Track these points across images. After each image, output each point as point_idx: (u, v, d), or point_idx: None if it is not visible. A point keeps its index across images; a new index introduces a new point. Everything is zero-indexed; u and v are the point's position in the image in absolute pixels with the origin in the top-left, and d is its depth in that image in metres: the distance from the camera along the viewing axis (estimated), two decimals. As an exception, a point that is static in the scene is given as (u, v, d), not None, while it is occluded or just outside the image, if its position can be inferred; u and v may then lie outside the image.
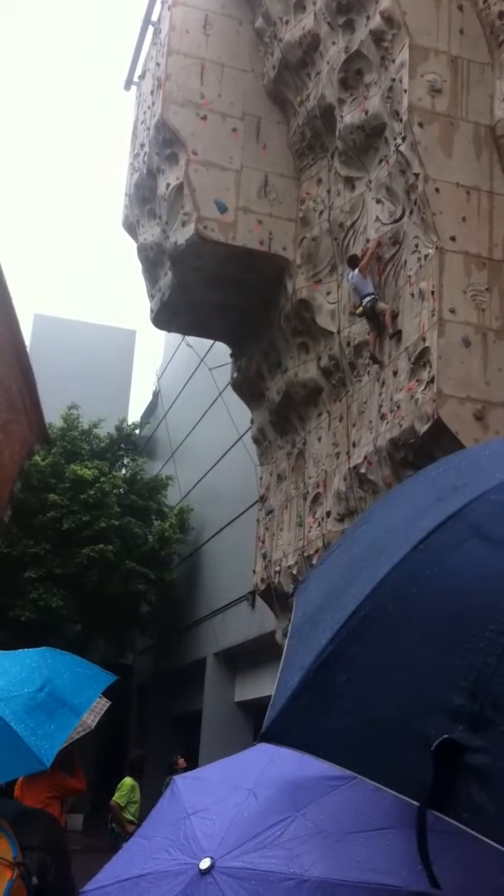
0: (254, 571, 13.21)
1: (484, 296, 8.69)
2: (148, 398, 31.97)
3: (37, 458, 19.97)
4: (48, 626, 20.22)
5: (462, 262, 8.70)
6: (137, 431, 27.15)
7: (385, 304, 9.50)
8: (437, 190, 8.84)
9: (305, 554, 11.02)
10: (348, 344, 10.46)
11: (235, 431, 16.27)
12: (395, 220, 9.56)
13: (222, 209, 11.34)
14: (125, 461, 25.94)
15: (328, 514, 10.59)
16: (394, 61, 9.40)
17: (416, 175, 8.96)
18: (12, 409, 14.35)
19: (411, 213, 9.21)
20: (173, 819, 2.17)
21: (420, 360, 8.65)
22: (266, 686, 15.27)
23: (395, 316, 9.35)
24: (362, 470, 9.62)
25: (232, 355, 14.01)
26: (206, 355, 17.76)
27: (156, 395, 29.20)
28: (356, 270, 9.71)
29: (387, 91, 9.44)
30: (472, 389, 8.36)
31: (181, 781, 2.41)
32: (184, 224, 11.45)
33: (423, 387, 8.51)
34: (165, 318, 13.35)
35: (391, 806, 1.75)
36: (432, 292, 8.61)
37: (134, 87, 14.13)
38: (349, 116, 10.17)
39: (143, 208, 13.19)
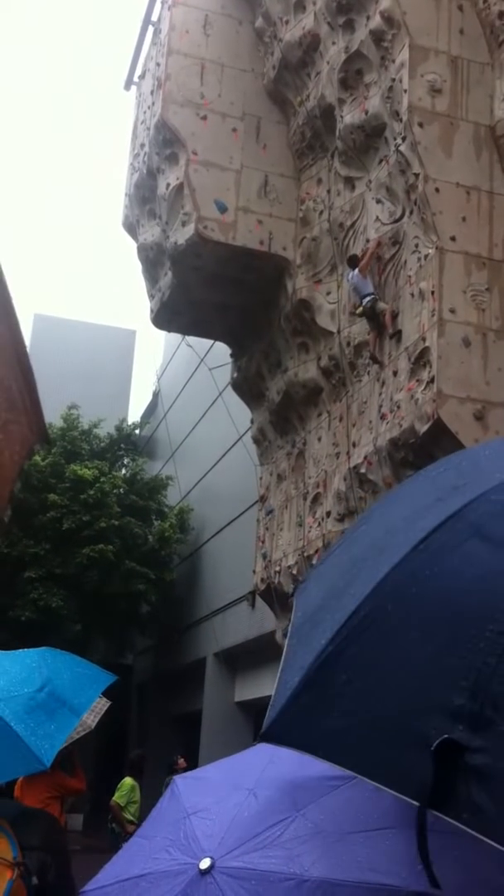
0: (254, 571, 13.21)
1: (484, 296, 8.69)
2: (148, 398, 31.99)
3: (37, 457, 19.97)
4: (48, 626, 20.22)
5: (462, 262, 8.70)
6: (137, 431, 27.16)
7: (385, 304, 9.50)
8: (437, 190, 8.84)
9: (305, 554, 11.02)
10: (348, 344, 10.46)
11: (235, 431, 16.27)
12: (395, 220, 9.56)
13: (222, 209, 11.34)
14: (125, 461, 25.94)
15: (328, 514, 10.59)
16: (394, 61, 9.40)
17: (416, 175, 8.96)
18: (12, 409, 14.35)
19: (411, 213, 9.21)
20: (173, 819, 2.16)
21: (420, 360, 8.65)
22: (266, 686, 15.27)
23: (395, 316, 9.35)
24: (362, 470, 9.62)
25: (232, 355, 14.02)
26: (206, 355, 17.76)
27: (156, 395, 29.20)
28: (356, 270, 9.71)
29: (387, 91, 9.44)
30: (472, 389, 8.36)
31: (181, 781, 2.41)
32: (184, 224, 11.45)
33: (423, 387, 8.51)
34: (165, 318, 13.35)
35: (391, 806, 1.75)
36: (432, 292, 8.61)
37: (134, 87, 14.14)
38: (349, 116, 10.17)
39: (143, 208, 13.19)
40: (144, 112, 12.96)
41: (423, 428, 8.39)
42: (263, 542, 12.76)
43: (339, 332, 10.69)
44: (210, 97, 11.80)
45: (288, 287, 11.56)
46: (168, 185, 11.79)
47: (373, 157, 10.01)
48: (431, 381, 8.37)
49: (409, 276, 9.12)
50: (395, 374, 9.16)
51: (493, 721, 1.38)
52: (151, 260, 13.04)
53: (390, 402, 9.16)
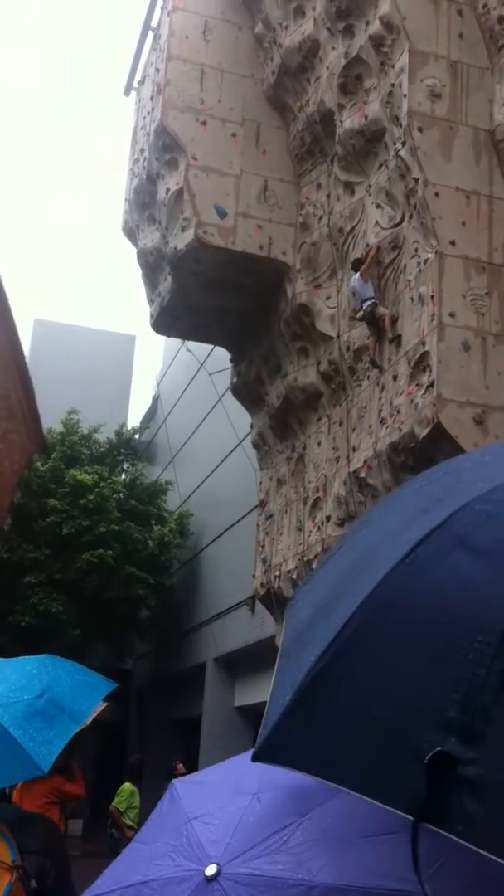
0: (253, 576, 13.20)
1: (483, 300, 8.69)
2: (148, 403, 31.99)
3: (37, 463, 19.96)
4: (48, 631, 20.20)
5: (461, 266, 8.71)
6: (137, 436, 27.16)
7: (385, 308, 9.50)
8: (436, 194, 8.85)
9: (305, 558, 11.01)
10: (348, 348, 10.47)
11: (235, 436, 16.28)
12: (394, 225, 9.57)
13: (222, 214, 11.35)
14: (125, 466, 25.94)
15: (328, 518, 10.58)
16: (393, 66, 9.42)
17: (416, 180, 8.97)
18: (12, 417, 14.32)
19: (411, 217, 9.22)
20: (174, 824, 2.15)
21: (420, 364, 8.65)
22: (266, 691, 15.20)
23: (394, 320, 9.35)
24: (362, 474, 9.62)
25: (231, 360, 14.02)
26: (205, 360, 17.77)
27: (155, 399, 29.22)
28: (357, 275, 9.72)
29: (386, 96, 9.46)
30: (471, 393, 8.36)
31: (180, 785, 2.40)
32: (183, 229, 11.46)
33: (422, 391, 8.51)
34: (165, 322, 13.35)
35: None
36: (432, 297, 8.62)
37: (134, 93, 14.16)
38: (349, 121, 10.19)
39: (142, 213, 13.20)
40: (144, 117, 12.98)
41: (422, 432, 8.39)
42: (263, 546, 12.75)
43: (338, 336, 10.70)
44: (210, 102, 11.82)
45: (288, 292, 11.57)
46: (168, 190, 11.80)
47: (372, 162, 10.02)
48: (431, 385, 8.37)
49: (409, 281, 9.12)
50: (394, 378, 9.16)
51: (484, 732, 1.38)
52: (151, 265, 13.05)
53: (390, 406, 9.16)
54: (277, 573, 11.89)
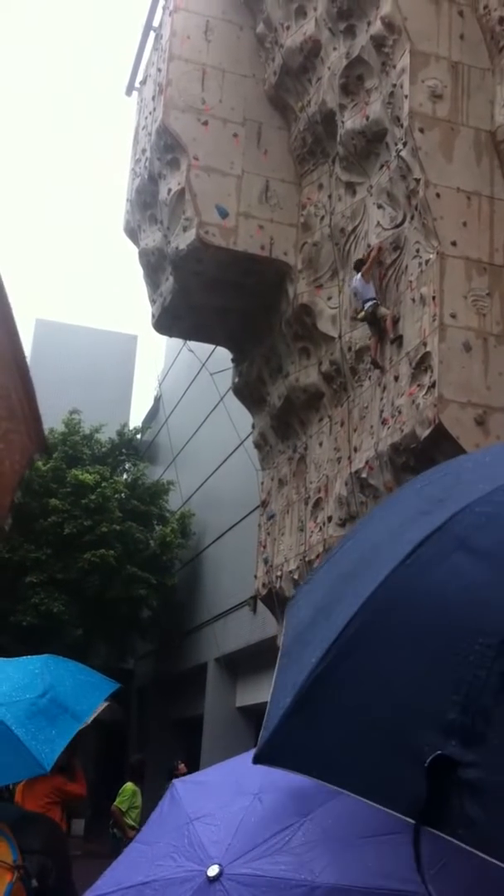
0: (255, 576, 13.20)
1: (485, 301, 8.70)
2: (149, 403, 31.99)
3: (38, 462, 19.96)
4: (49, 631, 20.20)
5: (463, 267, 8.71)
6: (139, 436, 27.16)
7: (386, 309, 9.51)
8: (437, 195, 8.85)
9: (307, 559, 11.02)
10: (349, 349, 10.47)
11: (237, 436, 16.28)
12: (396, 226, 9.58)
13: (223, 214, 11.35)
14: (126, 466, 25.93)
15: (329, 518, 10.59)
16: (395, 67, 9.42)
17: (417, 180, 8.98)
18: (12, 417, 14.33)
19: (412, 218, 9.22)
20: (175, 825, 2.14)
21: (421, 364, 8.66)
22: (267, 692, 15.21)
23: (396, 321, 9.36)
24: (363, 475, 9.62)
25: (233, 360, 14.03)
26: (207, 360, 17.77)
27: (157, 399, 29.21)
28: (359, 275, 9.73)
29: (388, 96, 9.46)
30: (473, 394, 8.37)
31: (181, 786, 2.39)
32: (185, 229, 11.46)
33: (424, 391, 8.52)
34: (167, 322, 13.36)
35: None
36: (433, 297, 8.62)
37: (135, 93, 14.17)
38: (350, 122, 10.19)
39: (144, 213, 13.21)
40: (146, 117, 12.99)
41: (424, 433, 8.39)
42: (265, 546, 12.75)
43: (340, 337, 10.70)
44: (211, 102, 11.83)
45: (289, 292, 11.57)
46: (169, 190, 11.81)
47: (374, 163, 10.02)
48: (432, 385, 8.37)
49: (410, 282, 9.13)
50: (396, 378, 9.16)
51: (485, 734, 1.37)
52: (153, 265, 13.06)
53: (391, 406, 9.16)
54: (279, 573, 11.90)
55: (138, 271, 14.10)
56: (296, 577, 11.35)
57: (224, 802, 2.11)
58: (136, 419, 32.11)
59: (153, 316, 13.43)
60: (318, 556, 10.62)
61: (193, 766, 15.08)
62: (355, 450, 9.99)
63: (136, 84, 14.04)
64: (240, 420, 15.33)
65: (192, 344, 15.97)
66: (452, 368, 8.38)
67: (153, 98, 12.50)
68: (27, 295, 73.72)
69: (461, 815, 1.34)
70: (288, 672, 1.70)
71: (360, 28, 10.02)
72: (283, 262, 11.54)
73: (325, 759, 1.54)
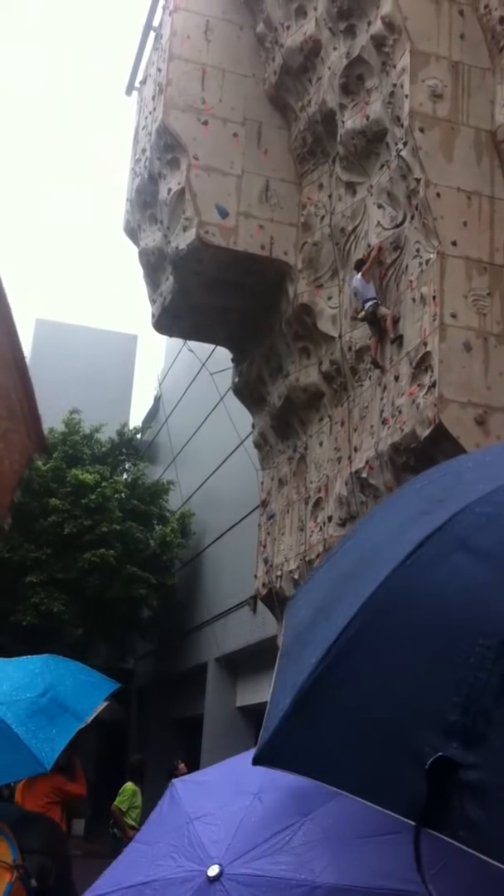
0: (255, 576, 13.20)
1: (485, 300, 8.70)
2: (149, 403, 31.99)
3: (38, 462, 19.97)
4: (49, 631, 20.20)
5: (463, 266, 8.71)
6: (139, 436, 27.16)
7: (386, 308, 9.51)
8: (438, 195, 8.85)
9: (307, 558, 11.02)
10: (349, 349, 10.47)
11: (237, 436, 16.28)
12: (396, 225, 9.57)
13: (223, 214, 11.35)
14: (126, 466, 25.93)
15: (329, 518, 10.59)
16: (395, 66, 9.42)
17: (418, 180, 8.98)
18: (12, 417, 14.33)
19: (412, 217, 9.22)
20: (175, 824, 2.14)
21: (421, 364, 8.66)
22: (267, 692, 15.22)
23: (396, 321, 9.36)
24: (364, 474, 9.62)
25: (233, 360, 14.02)
26: (207, 360, 17.77)
27: (157, 399, 29.20)
28: (359, 275, 9.73)
29: (388, 96, 9.46)
30: (473, 394, 8.37)
31: (180, 785, 2.39)
32: (185, 229, 11.46)
33: (424, 391, 8.51)
34: (167, 322, 13.36)
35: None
36: (433, 297, 8.62)
37: (135, 93, 14.17)
38: (350, 121, 10.19)
39: (144, 213, 13.21)
40: (146, 117, 12.99)
41: (424, 432, 8.39)
42: (265, 546, 12.75)
43: (340, 336, 10.70)
44: (211, 102, 11.82)
45: (289, 292, 11.57)
46: (169, 189, 11.81)
47: (374, 163, 10.02)
48: (433, 385, 8.37)
49: (411, 281, 9.12)
50: (396, 378, 9.16)
51: (486, 736, 1.37)
52: (153, 265, 13.06)
53: (392, 406, 9.16)
54: (279, 573, 11.90)
55: (138, 271, 14.10)
56: (296, 576, 11.35)
57: (224, 802, 2.11)
58: (136, 419, 32.14)
59: (153, 316, 13.43)
60: (318, 556, 10.62)
61: (193, 766, 15.08)
62: (355, 449, 9.99)
63: (136, 84, 14.04)
64: (240, 420, 15.33)
65: (192, 344, 15.98)
66: (453, 368, 8.38)
67: (153, 98, 12.50)
68: (27, 295, 73.73)
69: (462, 817, 1.34)
70: (288, 672, 1.69)
71: (360, 28, 10.02)
72: (283, 262, 11.54)
73: (325, 759, 1.53)
